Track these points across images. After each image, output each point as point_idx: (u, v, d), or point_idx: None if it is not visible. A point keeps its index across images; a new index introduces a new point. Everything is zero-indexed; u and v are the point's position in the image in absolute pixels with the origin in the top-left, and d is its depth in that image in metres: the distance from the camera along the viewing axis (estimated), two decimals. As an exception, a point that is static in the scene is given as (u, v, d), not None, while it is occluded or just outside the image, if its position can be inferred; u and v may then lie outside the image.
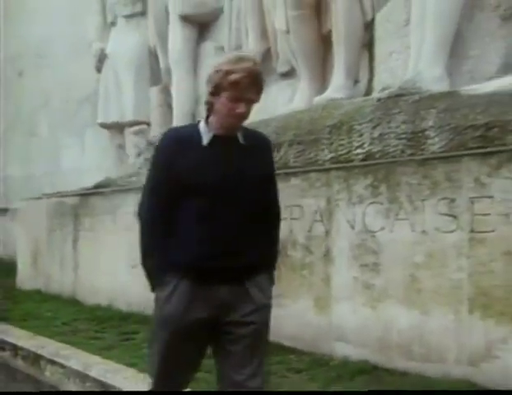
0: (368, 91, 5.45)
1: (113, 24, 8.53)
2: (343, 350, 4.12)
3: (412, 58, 4.82)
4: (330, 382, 3.75)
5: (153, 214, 2.38)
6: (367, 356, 3.95)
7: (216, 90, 2.27)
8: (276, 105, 5.98)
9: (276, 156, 4.67)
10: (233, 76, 2.22)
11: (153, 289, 2.41)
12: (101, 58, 8.46)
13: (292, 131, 4.97)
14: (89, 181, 7.67)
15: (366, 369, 3.88)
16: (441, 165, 3.68)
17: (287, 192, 4.25)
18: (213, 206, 2.29)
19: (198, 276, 2.30)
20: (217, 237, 2.29)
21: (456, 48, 4.75)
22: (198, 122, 2.39)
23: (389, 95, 4.54)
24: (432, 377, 3.59)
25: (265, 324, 2.42)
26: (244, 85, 2.23)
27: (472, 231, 3.51)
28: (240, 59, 2.26)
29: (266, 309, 2.42)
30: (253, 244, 2.36)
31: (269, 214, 2.46)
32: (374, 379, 3.75)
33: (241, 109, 2.26)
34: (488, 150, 3.52)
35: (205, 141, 2.32)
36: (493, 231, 3.43)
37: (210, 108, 2.33)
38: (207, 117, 2.36)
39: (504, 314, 3.36)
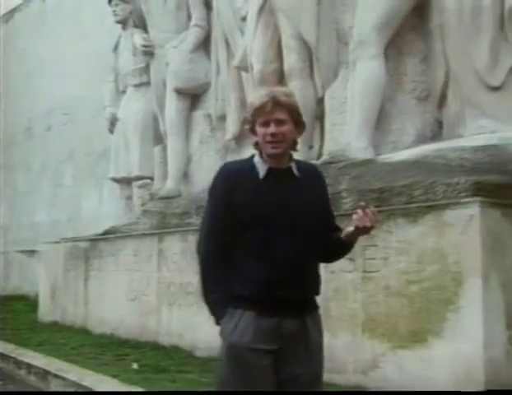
0: (319, 156, 6.56)
1: (123, 92, 9.71)
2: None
3: (346, 130, 5.97)
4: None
5: (211, 251, 2.40)
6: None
7: (252, 126, 2.41)
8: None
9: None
10: (256, 103, 2.37)
11: (218, 322, 2.42)
12: (113, 122, 9.68)
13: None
14: (104, 227, 8.78)
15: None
16: (345, 221, 4.79)
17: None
18: (271, 238, 2.33)
19: (261, 307, 2.33)
20: (277, 268, 2.32)
21: (381, 123, 5.87)
22: (252, 156, 2.47)
23: (323, 161, 5.69)
24: (337, 384, 4.65)
25: (320, 367, 2.46)
26: (267, 107, 2.33)
27: (364, 271, 4.62)
28: (263, 92, 2.41)
29: (320, 348, 2.46)
30: (312, 275, 2.46)
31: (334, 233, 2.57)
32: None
33: (271, 129, 2.33)
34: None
35: (261, 174, 2.39)
36: (378, 271, 4.54)
37: (257, 147, 2.43)
38: (261, 154, 2.43)
39: (384, 335, 4.45)
